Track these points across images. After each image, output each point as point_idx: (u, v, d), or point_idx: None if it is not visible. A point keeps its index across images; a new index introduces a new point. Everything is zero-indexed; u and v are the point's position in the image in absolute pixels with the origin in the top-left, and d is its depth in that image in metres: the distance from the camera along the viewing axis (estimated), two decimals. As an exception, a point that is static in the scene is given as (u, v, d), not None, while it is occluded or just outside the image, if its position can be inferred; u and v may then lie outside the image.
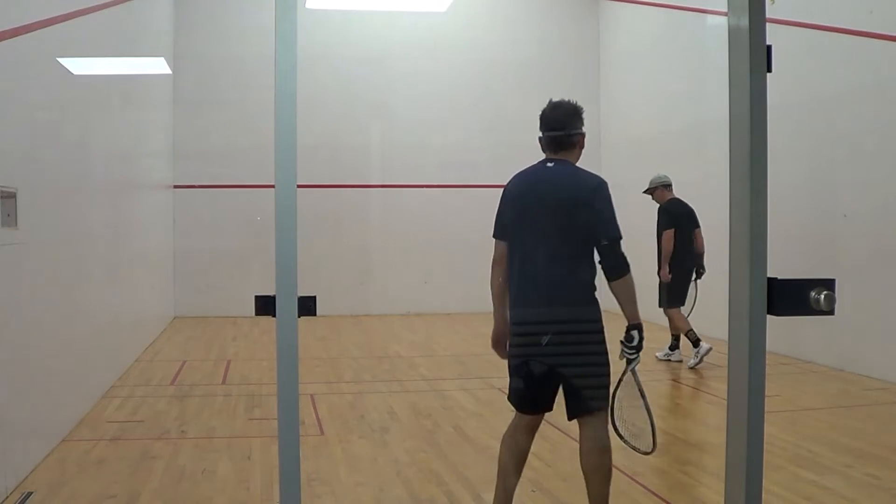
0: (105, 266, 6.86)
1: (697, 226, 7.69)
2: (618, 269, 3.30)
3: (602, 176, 3.39)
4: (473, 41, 12.27)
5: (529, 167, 3.51)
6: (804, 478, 4.29)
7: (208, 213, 11.65)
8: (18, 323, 4.37)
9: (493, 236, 3.52)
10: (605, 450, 3.36)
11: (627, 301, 3.32)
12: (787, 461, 4.55)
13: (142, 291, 8.99)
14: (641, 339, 3.34)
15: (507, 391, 3.51)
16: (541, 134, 3.48)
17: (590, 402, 3.35)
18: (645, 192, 7.89)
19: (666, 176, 7.81)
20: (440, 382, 7.09)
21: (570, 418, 3.41)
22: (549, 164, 3.43)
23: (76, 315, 5.71)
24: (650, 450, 3.42)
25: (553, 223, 3.34)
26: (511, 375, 3.45)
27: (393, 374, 7.56)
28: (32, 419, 4.58)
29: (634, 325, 3.33)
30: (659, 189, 7.73)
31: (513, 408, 3.51)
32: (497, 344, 3.56)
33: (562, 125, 3.43)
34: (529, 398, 3.41)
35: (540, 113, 3.50)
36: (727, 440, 1.85)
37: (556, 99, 3.51)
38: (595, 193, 3.33)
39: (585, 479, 3.39)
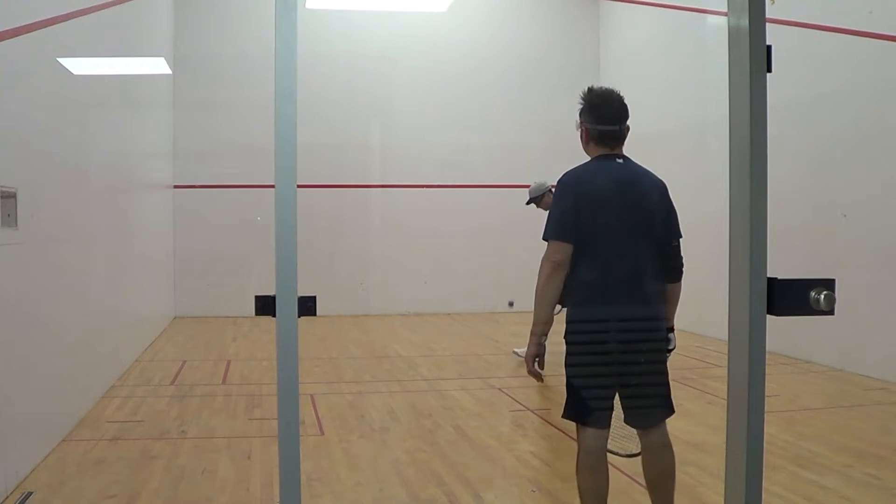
0: (105, 266, 6.86)
1: None
2: (681, 269, 3.24)
3: None
4: (474, 41, 12.28)
5: (590, 164, 3.25)
6: (804, 478, 4.29)
7: (208, 213, 11.65)
8: (18, 323, 4.37)
9: (556, 238, 3.11)
10: (672, 449, 3.27)
11: (676, 303, 3.26)
12: (787, 461, 4.55)
13: (142, 291, 8.99)
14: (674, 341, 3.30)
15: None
16: (588, 126, 3.22)
17: (666, 408, 3.26)
18: (529, 202, 7.44)
19: (545, 182, 7.29)
20: (440, 382, 7.09)
21: (636, 425, 3.26)
22: (620, 161, 3.21)
23: (76, 315, 5.71)
24: (639, 451, 3.36)
25: (645, 223, 3.18)
26: (584, 388, 3.13)
27: (393, 374, 7.56)
28: (32, 419, 4.58)
29: (672, 328, 3.27)
30: (546, 195, 7.21)
31: (580, 425, 3.16)
32: (535, 362, 3.14)
33: (620, 118, 3.20)
34: (609, 407, 3.14)
35: (585, 103, 3.24)
36: (727, 440, 1.84)
37: (599, 89, 3.25)
38: (667, 191, 3.24)
39: (657, 484, 3.20)
